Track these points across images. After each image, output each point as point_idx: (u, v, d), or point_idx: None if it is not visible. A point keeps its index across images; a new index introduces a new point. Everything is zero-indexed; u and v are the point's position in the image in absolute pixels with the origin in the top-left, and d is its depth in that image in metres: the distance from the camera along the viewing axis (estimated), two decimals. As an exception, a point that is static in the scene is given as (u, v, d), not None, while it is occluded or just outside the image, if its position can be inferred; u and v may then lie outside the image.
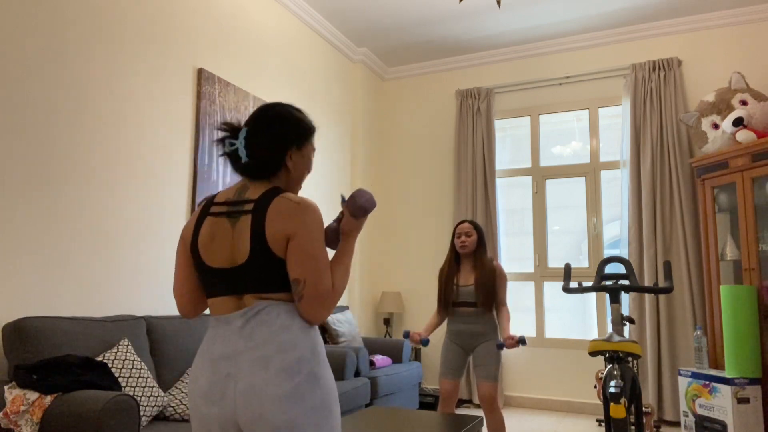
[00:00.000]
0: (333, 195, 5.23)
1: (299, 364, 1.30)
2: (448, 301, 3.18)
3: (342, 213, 1.52)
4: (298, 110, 1.52)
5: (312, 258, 1.34)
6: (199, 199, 3.59)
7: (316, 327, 1.42)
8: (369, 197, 1.48)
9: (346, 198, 1.63)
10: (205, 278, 1.42)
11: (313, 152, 1.54)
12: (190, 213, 3.55)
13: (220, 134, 1.47)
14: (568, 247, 5.33)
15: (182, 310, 1.51)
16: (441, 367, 3.19)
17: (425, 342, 3.07)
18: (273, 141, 1.43)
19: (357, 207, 1.47)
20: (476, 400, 5.19)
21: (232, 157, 1.45)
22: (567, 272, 3.38)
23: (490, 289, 3.10)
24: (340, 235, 1.52)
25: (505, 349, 3.14)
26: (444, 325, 5.45)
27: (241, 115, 4.02)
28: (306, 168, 1.51)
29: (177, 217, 3.47)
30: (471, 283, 3.13)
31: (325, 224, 5.17)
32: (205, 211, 1.46)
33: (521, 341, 2.90)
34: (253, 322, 1.34)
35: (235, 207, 1.41)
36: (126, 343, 2.67)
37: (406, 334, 3.08)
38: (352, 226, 1.49)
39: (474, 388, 5.22)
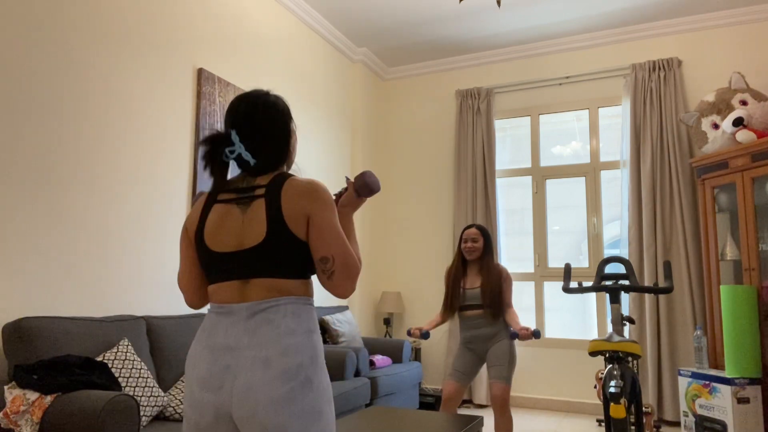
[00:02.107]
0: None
1: (297, 370, 1.31)
2: (454, 304, 3.25)
3: (344, 189, 1.55)
4: (272, 93, 1.51)
5: (338, 234, 1.38)
6: (199, 199, 3.59)
7: (318, 331, 1.42)
8: (376, 180, 1.52)
9: (351, 179, 1.66)
10: (209, 264, 1.42)
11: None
12: (190, 213, 3.55)
13: (204, 148, 1.44)
14: (568, 247, 5.33)
15: (189, 300, 1.53)
16: (450, 369, 3.23)
17: (425, 335, 3.09)
18: (278, 137, 1.46)
19: (362, 184, 1.50)
20: (476, 401, 5.19)
21: (236, 161, 1.45)
22: (567, 272, 3.38)
23: (497, 293, 3.14)
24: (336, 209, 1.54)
25: (518, 340, 3.17)
26: (445, 326, 5.46)
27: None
28: (296, 144, 1.57)
29: (177, 217, 3.47)
30: (477, 286, 3.19)
31: None
32: (211, 199, 1.46)
33: (535, 334, 2.90)
34: (258, 318, 1.34)
35: (244, 194, 1.42)
36: (126, 343, 2.67)
37: (409, 332, 3.13)
38: (352, 202, 1.53)
39: (474, 388, 5.23)
